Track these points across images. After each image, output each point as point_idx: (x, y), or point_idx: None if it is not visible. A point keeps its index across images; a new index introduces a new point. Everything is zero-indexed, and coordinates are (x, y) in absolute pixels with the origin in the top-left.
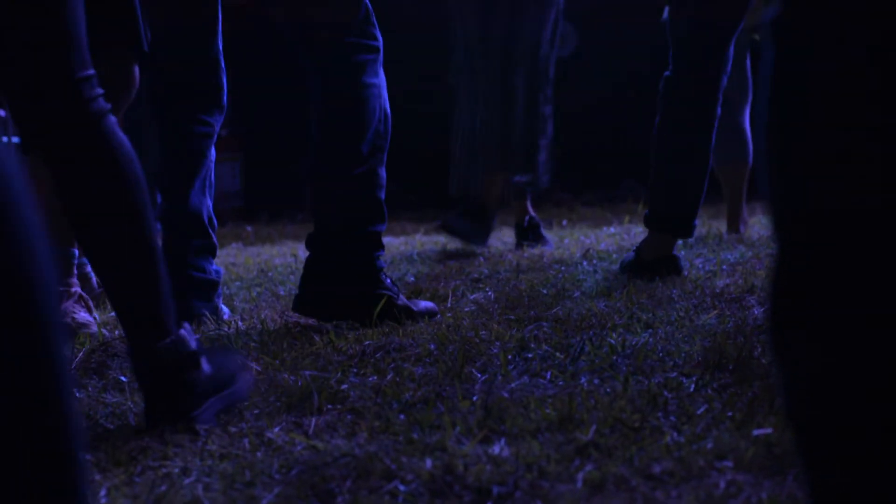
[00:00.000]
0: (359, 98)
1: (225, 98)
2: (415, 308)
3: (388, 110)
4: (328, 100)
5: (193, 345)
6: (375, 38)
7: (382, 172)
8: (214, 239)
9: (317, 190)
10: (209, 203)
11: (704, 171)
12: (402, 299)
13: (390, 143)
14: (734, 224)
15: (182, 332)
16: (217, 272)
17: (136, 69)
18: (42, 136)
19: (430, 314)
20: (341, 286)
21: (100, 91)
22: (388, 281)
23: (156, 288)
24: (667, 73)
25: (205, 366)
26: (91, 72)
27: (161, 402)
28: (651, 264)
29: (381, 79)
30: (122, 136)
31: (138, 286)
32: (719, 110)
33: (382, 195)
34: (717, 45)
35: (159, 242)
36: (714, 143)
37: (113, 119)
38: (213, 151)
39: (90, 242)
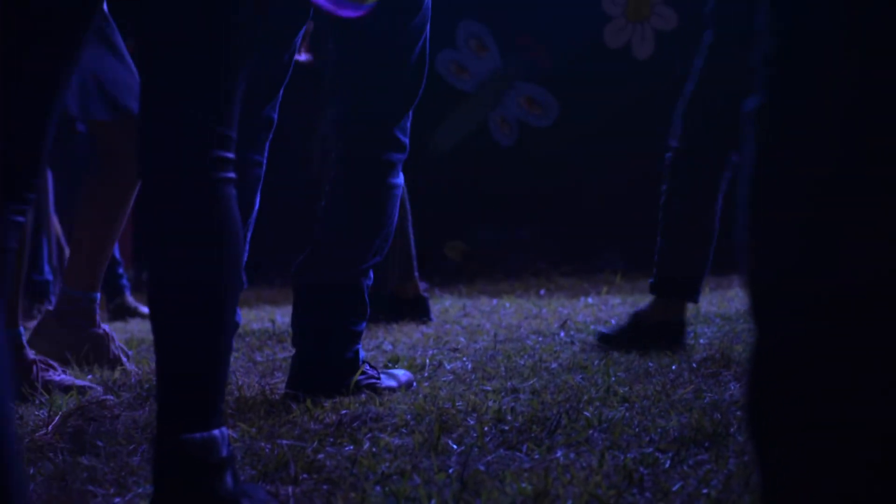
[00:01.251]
0: (381, 200)
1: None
2: (395, 384)
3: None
4: (350, 195)
5: (225, 452)
6: (406, 137)
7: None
8: None
9: (309, 285)
10: None
11: (711, 237)
12: (384, 382)
13: None
14: None
15: (216, 432)
16: None
17: None
18: (164, 186)
19: (407, 386)
20: (328, 383)
21: (232, 157)
22: (369, 367)
23: (214, 377)
24: (674, 142)
25: (228, 481)
26: (232, 133)
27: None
28: (652, 328)
29: (401, 179)
30: (237, 214)
31: (198, 368)
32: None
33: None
34: (724, 115)
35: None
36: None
37: (234, 193)
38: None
39: (165, 308)
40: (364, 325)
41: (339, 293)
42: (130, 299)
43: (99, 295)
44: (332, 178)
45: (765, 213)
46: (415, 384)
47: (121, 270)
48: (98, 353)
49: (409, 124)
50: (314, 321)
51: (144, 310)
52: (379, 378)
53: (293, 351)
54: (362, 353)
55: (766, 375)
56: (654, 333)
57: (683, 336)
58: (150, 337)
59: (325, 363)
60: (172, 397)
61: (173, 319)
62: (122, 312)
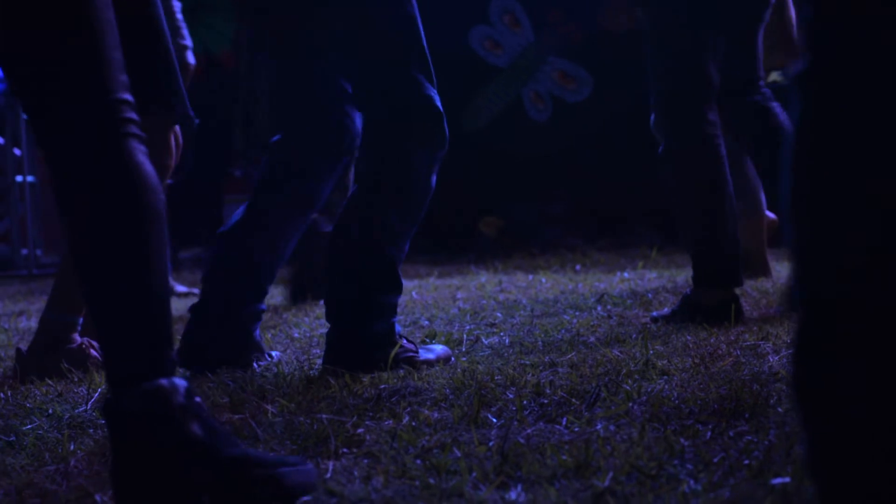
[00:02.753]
0: (407, 167)
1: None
2: (433, 357)
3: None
4: (376, 165)
5: (180, 400)
6: (432, 92)
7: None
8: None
9: (340, 259)
10: None
11: (733, 224)
12: (422, 355)
13: None
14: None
15: (164, 381)
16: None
17: (178, 131)
18: (68, 155)
19: (444, 360)
20: (365, 357)
21: (134, 117)
22: (406, 342)
23: (152, 325)
24: (660, 147)
25: (193, 429)
26: (128, 97)
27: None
28: (709, 311)
29: (435, 149)
30: (150, 167)
31: (133, 316)
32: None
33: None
34: (695, 111)
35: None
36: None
37: (143, 148)
38: None
39: (90, 270)
40: (398, 297)
41: (370, 266)
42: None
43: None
44: (359, 150)
45: (812, 180)
46: (453, 359)
47: None
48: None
49: (433, 92)
50: (348, 295)
51: (179, 288)
52: (417, 352)
53: (329, 326)
54: (398, 328)
55: (813, 346)
56: (710, 315)
57: (741, 312)
58: (186, 316)
59: (361, 337)
60: (111, 353)
61: (97, 268)
62: None
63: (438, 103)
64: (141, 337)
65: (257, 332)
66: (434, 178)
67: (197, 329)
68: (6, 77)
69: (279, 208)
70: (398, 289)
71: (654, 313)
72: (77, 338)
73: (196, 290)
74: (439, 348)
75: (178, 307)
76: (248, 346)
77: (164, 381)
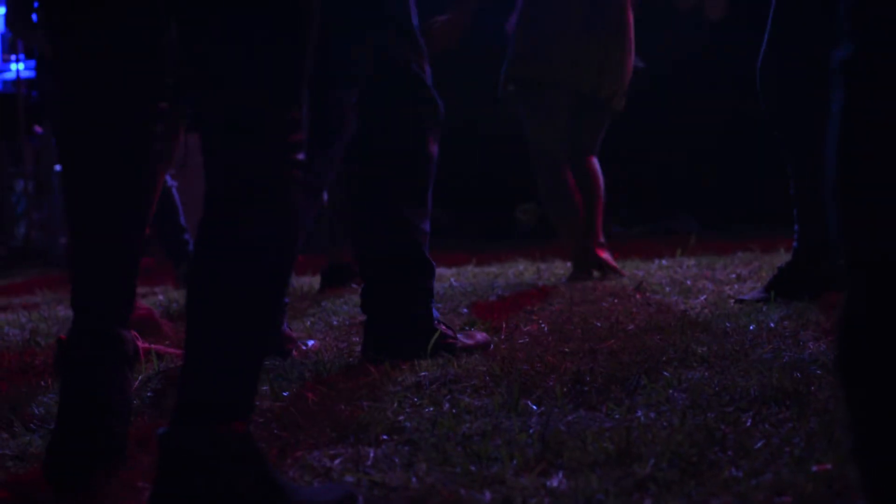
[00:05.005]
0: (409, 127)
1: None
2: (472, 342)
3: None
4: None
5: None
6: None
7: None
8: None
9: (368, 249)
10: None
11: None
12: (461, 341)
13: (443, 174)
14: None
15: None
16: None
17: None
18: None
19: (484, 347)
20: (405, 345)
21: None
22: (445, 328)
23: (251, 371)
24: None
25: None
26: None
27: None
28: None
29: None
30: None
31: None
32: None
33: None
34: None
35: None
36: None
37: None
38: None
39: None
40: (432, 280)
41: (395, 250)
42: None
43: None
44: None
45: (856, 164)
46: (492, 346)
47: (186, 237)
48: None
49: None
50: (380, 283)
51: None
52: (456, 338)
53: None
54: (436, 314)
55: (859, 328)
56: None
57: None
58: None
59: (399, 324)
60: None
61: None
62: None
63: (416, 69)
64: (237, 376)
65: (285, 325)
66: (435, 147)
67: None
68: None
69: None
70: (430, 271)
71: (744, 296)
72: None
73: None
74: (478, 335)
75: None
76: (279, 339)
77: (238, 426)
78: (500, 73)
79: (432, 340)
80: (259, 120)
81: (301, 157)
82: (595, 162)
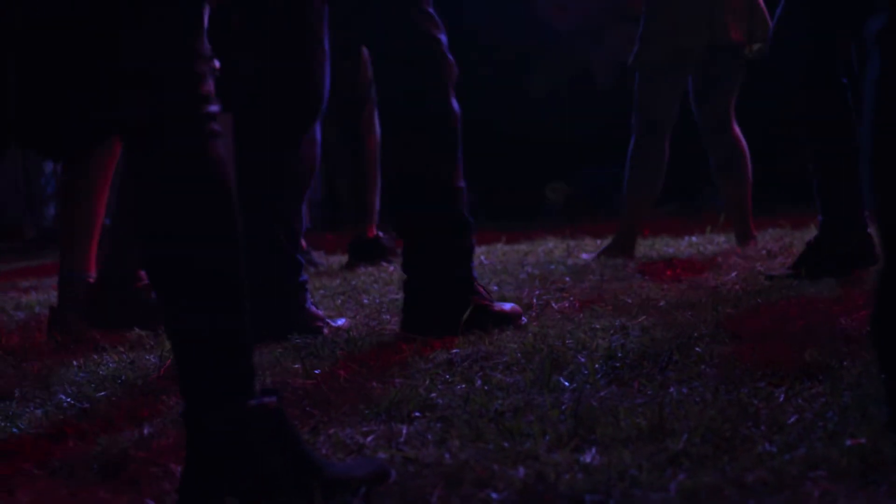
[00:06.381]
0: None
1: None
2: (507, 309)
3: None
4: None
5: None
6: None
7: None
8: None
9: (402, 218)
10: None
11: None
12: (497, 306)
13: (472, 152)
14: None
15: (267, 399)
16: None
17: None
18: (149, 129)
19: (515, 318)
20: (446, 305)
21: (213, 91)
22: (482, 289)
23: (236, 335)
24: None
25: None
26: (211, 67)
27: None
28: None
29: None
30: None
31: (214, 329)
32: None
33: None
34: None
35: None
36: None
37: (219, 129)
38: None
39: (164, 262)
40: (472, 240)
41: (432, 210)
42: None
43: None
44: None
45: (892, 132)
46: (524, 319)
47: None
48: None
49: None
50: (420, 245)
51: None
52: (491, 302)
53: (398, 293)
54: (475, 272)
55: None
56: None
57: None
58: None
59: (438, 285)
60: (193, 367)
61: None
62: None
63: (428, 29)
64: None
65: (309, 302)
66: (455, 102)
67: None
68: None
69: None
70: (469, 229)
71: (773, 273)
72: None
73: None
74: (509, 305)
75: None
76: (304, 317)
77: (269, 403)
78: (631, 55)
79: (469, 308)
80: (164, 69)
81: (213, 109)
82: (739, 133)
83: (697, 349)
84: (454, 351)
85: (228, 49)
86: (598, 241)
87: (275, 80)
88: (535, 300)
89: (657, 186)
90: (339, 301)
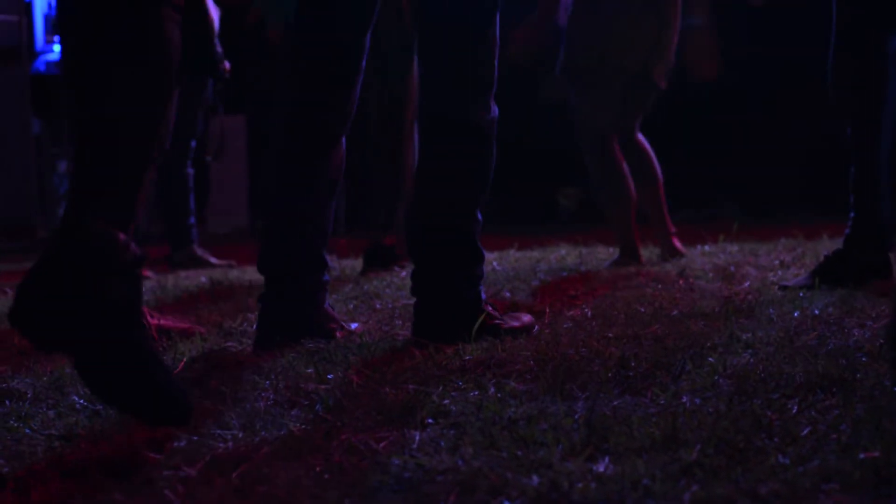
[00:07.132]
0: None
1: None
2: (517, 326)
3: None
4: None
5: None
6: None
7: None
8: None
9: (418, 235)
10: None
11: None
12: (507, 322)
13: None
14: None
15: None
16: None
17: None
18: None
19: (528, 328)
20: (453, 327)
21: None
22: (491, 309)
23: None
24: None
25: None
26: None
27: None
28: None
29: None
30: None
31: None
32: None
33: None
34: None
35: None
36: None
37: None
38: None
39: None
40: (482, 267)
41: (449, 239)
42: (198, 250)
43: None
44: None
45: None
46: (536, 327)
47: (192, 220)
48: None
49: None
50: (431, 269)
51: (213, 260)
52: (502, 319)
53: (411, 299)
54: (483, 295)
55: None
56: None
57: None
58: (234, 282)
59: (447, 306)
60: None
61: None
62: (190, 262)
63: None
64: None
65: (327, 303)
66: (494, 144)
67: (270, 308)
68: None
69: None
70: (479, 257)
71: (786, 282)
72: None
73: (233, 263)
74: (524, 316)
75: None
76: (320, 317)
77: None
78: (556, 63)
79: (477, 323)
80: None
81: None
82: (643, 138)
83: (710, 359)
84: (467, 358)
85: (240, 53)
86: (611, 249)
87: (315, 114)
88: (547, 308)
89: (628, 190)
90: (352, 306)
